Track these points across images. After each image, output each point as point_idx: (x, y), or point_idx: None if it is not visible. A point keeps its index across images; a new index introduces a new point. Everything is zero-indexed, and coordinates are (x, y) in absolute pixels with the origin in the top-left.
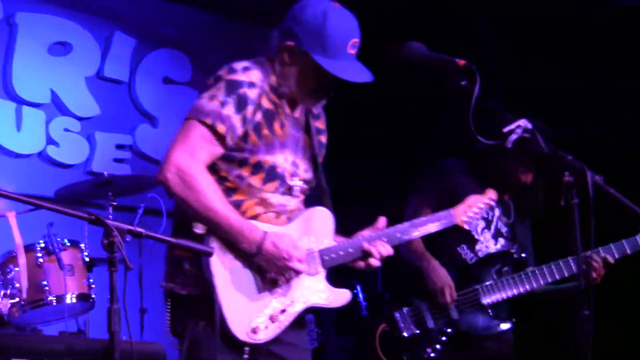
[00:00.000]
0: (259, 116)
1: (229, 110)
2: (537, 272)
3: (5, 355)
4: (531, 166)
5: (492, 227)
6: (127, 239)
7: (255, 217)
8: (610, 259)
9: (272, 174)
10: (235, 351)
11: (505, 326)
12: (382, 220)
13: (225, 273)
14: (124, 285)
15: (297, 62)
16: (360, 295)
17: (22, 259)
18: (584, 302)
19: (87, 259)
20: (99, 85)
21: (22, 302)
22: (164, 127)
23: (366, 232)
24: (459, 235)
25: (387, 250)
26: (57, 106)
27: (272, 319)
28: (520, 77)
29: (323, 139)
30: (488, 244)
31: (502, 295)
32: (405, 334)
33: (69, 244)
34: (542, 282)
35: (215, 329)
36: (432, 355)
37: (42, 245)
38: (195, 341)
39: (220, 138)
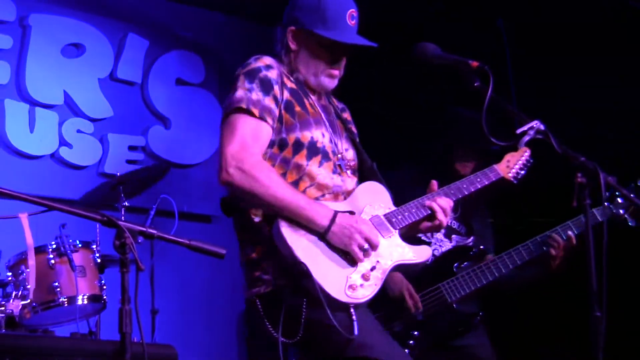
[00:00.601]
0: (287, 94)
1: (257, 94)
2: (496, 261)
3: (16, 356)
4: (470, 158)
5: None
6: (139, 241)
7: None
8: (573, 238)
9: (313, 149)
10: (343, 311)
11: (473, 320)
12: (434, 183)
13: (306, 248)
14: (135, 286)
15: (302, 44)
16: None
17: (31, 261)
18: (595, 303)
19: (98, 260)
20: (111, 86)
21: (34, 304)
22: (177, 128)
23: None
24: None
25: (447, 202)
26: (70, 107)
27: (365, 277)
28: (535, 79)
29: (353, 128)
30: (442, 244)
31: (464, 289)
32: None
33: (80, 245)
34: (503, 270)
35: (320, 298)
36: None
37: (54, 246)
38: (313, 324)
39: (262, 119)
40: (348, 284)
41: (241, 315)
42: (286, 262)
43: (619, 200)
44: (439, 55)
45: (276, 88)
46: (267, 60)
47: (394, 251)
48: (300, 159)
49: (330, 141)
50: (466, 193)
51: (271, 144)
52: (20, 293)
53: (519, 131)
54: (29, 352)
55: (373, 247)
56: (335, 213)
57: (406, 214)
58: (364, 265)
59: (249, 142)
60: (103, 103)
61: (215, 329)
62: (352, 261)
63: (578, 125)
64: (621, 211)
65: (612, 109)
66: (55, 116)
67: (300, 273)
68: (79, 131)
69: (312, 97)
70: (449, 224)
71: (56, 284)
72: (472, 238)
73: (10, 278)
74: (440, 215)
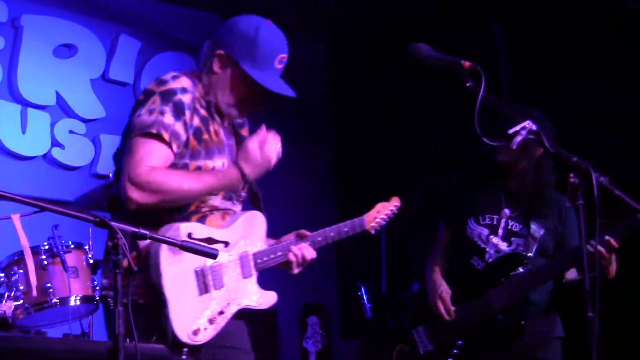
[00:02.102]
0: (196, 121)
1: (169, 118)
2: (541, 268)
3: (9, 357)
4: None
5: (500, 230)
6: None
7: (203, 217)
8: (614, 243)
9: None
10: (174, 350)
11: (516, 330)
12: (304, 231)
13: (173, 278)
14: (128, 287)
15: (225, 71)
16: (365, 297)
17: (29, 261)
18: (588, 304)
19: (91, 261)
20: (104, 87)
21: (26, 305)
22: None
23: (291, 236)
24: (469, 249)
25: (310, 253)
26: (62, 108)
27: (211, 321)
28: (529, 80)
29: None
30: (499, 248)
31: (509, 297)
32: (420, 351)
33: (73, 246)
34: (545, 277)
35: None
36: None
37: (47, 247)
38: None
39: (167, 145)
40: (194, 327)
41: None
42: (149, 282)
43: None
44: (433, 56)
45: (187, 114)
46: (184, 82)
47: (245, 297)
48: None
49: None
50: (331, 242)
51: (172, 166)
52: (12, 294)
53: (511, 131)
54: (21, 353)
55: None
56: (238, 165)
57: (271, 256)
58: (214, 307)
59: (146, 159)
60: (95, 104)
61: None
62: (205, 301)
63: (575, 126)
64: None
65: (609, 110)
66: (47, 117)
67: (158, 301)
68: (71, 132)
69: (218, 120)
70: (510, 227)
71: (49, 285)
72: (539, 240)
73: (2, 279)
74: (294, 268)
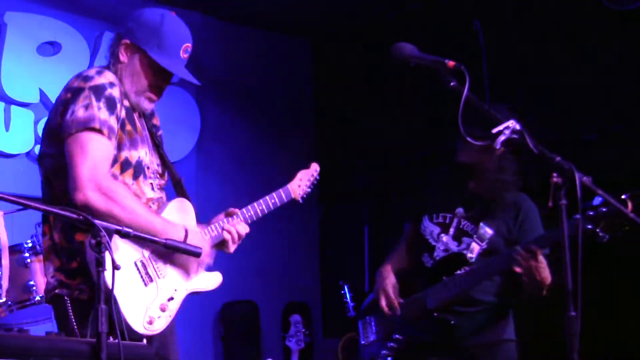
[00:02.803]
0: (123, 113)
1: (104, 114)
2: (468, 271)
3: None
4: (467, 145)
5: (451, 229)
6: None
7: None
8: (537, 250)
9: (139, 169)
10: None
11: (446, 329)
12: (232, 209)
13: (120, 273)
14: (111, 285)
15: (132, 59)
16: (348, 295)
17: (5, 260)
18: (570, 303)
19: None
20: None
21: (9, 302)
22: None
23: (221, 216)
24: (421, 246)
25: (244, 228)
26: (46, 106)
27: (163, 309)
28: (512, 80)
29: (161, 135)
30: (448, 247)
31: (442, 297)
32: (362, 342)
33: None
34: (472, 280)
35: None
36: None
37: (30, 245)
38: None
39: (109, 139)
40: (147, 316)
41: (217, 314)
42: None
43: (590, 213)
44: (416, 56)
45: (118, 107)
46: (109, 76)
47: (192, 279)
48: (127, 178)
49: (150, 160)
50: (261, 215)
51: None
52: None
53: (494, 131)
54: (3, 351)
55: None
56: (187, 231)
57: (207, 237)
58: (163, 295)
59: (101, 162)
60: None
61: (190, 329)
62: (152, 290)
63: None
64: (589, 226)
65: (591, 109)
66: (31, 115)
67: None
68: None
69: (136, 113)
70: (462, 226)
71: (31, 282)
72: (486, 241)
73: None
74: (230, 246)
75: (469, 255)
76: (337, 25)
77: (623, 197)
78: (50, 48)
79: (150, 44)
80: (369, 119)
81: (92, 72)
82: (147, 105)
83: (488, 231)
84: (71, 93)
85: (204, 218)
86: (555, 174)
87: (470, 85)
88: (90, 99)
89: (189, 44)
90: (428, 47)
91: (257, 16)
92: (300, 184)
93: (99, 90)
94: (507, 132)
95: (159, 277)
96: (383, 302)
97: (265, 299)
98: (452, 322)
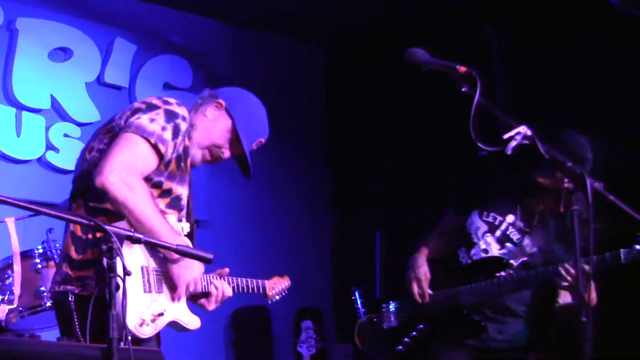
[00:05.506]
0: (181, 148)
1: (168, 135)
2: (508, 278)
3: None
4: (551, 170)
5: (499, 231)
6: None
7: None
8: (588, 269)
9: (175, 203)
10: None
11: (477, 329)
12: (225, 270)
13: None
14: (122, 291)
15: (216, 119)
16: (359, 301)
17: (17, 266)
18: (582, 310)
19: None
20: (99, 91)
21: (20, 308)
22: None
23: (214, 275)
24: (461, 238)
25: (229, 291)
26: (57, 112)
27: (153, 319)
28: (523, 85)
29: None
30: (489, 248)
31: (476, 298)
32: (384, 326)
33: None
34: (511, 288)
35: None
36: (400, 348)
37: (41, 251)
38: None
39: (159, 157)
40: (139, 319)
41: (229, 319)
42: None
43: None
44: (429, 61)
45: (179, 140)
46: (185, 111)
47: (178, 309)
48: (161, 203)
49: (186, 201)
50: (240, 290)
51: (147, 179)
52: (6, 298)
53: (506, 136)
54: (15, 357)
55: (195, 289)
56: (182, 250)
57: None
58: (155, 307)
59: (137, 164)
60: (90, 107)
61: (202, 334)
62: (148, 299)
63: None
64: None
65: (601, 113)
66: (42, 120)
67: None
68: (65, 135)
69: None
70: (508, 232)
71: (43, 288)
72: (529, 255)
73: None
74: (212, 302)
75: (511, 261)
76: (351, 30)
77: None
78: (62, 54)
79: (240, 118)
80: (382, 125)
81: (173, 100)
82: (198, 162)
83: (532, 246)
84: (146, 105)
85: (217, 223)
86: (566, 180)
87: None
88: (160, 117)
89: (264, 140)
90: (442, 53)
91: (271, 22)
92: (274, 287)
93: (171, 115)
94: (518, 137)
95: (156, 291)
96: (416, 291)
97: (277, 304)
98: (483, 323)
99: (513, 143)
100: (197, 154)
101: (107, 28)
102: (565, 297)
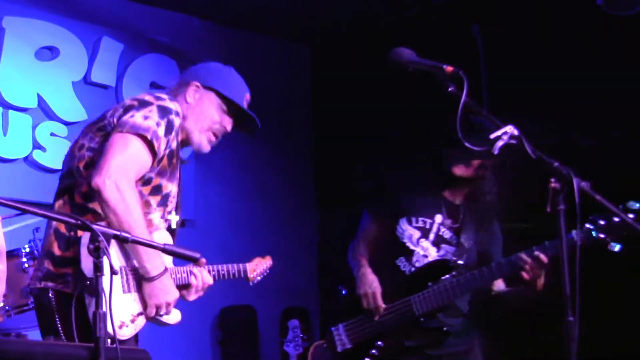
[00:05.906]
0: (174, 144)
1: (161, 132)
2: (466, 277)
3: None
4: (467, 159)
5: (432, 234)
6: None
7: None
8: (544, 258)
9: (165, 200)
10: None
11: (439, 336)
12: (202, 260)
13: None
14: (110, 290)
15: (200, 100)
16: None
17: (2, 265)
18: (568, 308)
19: None
20: (86, 90)
21: (7, 307)
22: None
23: (186, 266)
24: (396, 248)
25: (210, 279)
26: (44, 111)
27: (132, 320)
28: (510, 85)
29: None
30: (428, 252)
31: (432, 304)
32: (339, 349)
33: None
34: (472, 286)
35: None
36: None
37: (27, 250)
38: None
39: (154, 154)
40: (119, 320)
41: (215, 318)
42: (84, 272)
43: (601, 222)
44: (415, 61)
45: (173, 135)
46: (177, 106)
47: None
48: (153, 200)
49: (174, 196)
50: (221, 278)
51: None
52: None
53: (492, 136)
54: (1, 356)
55: (167, 312)
56: (166, 270)
57: (177, 275)
58: (134, 308)
59: (132, 167)
60: (77, 106)
61: (189, 333)
62: (128, 299)
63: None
64: (602, 235)
65: (589, 114)
66: (29, 119)
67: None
68: (52, 134)
69: (181, 150)
70: (441, 233)
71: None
72: (467, 251)
73: None
74: (192, 293)
75: (459, 262)
76: (336, 30)
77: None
78: (49, 53)
79: (220, 84)
80: (367, 123)
81: (164, 95)
82: (206, 146)
83: (468, 241)
84: (138, 102)
85: (204, 223)
86: (553, 179)
87: (468, 91)
88: (154, 113)
89: (249, 94)
90: (427, 52)
91: (255, 21)
92: (255, 269)
93: (165, 111)
94: (505, 137)
95: (135, 290)
96: (372, 306)
97: (263, 303)
98: (445, 328)
99: (500, 143)
100: (202, 140)
101: (94, 27)
102: (499, 285)
